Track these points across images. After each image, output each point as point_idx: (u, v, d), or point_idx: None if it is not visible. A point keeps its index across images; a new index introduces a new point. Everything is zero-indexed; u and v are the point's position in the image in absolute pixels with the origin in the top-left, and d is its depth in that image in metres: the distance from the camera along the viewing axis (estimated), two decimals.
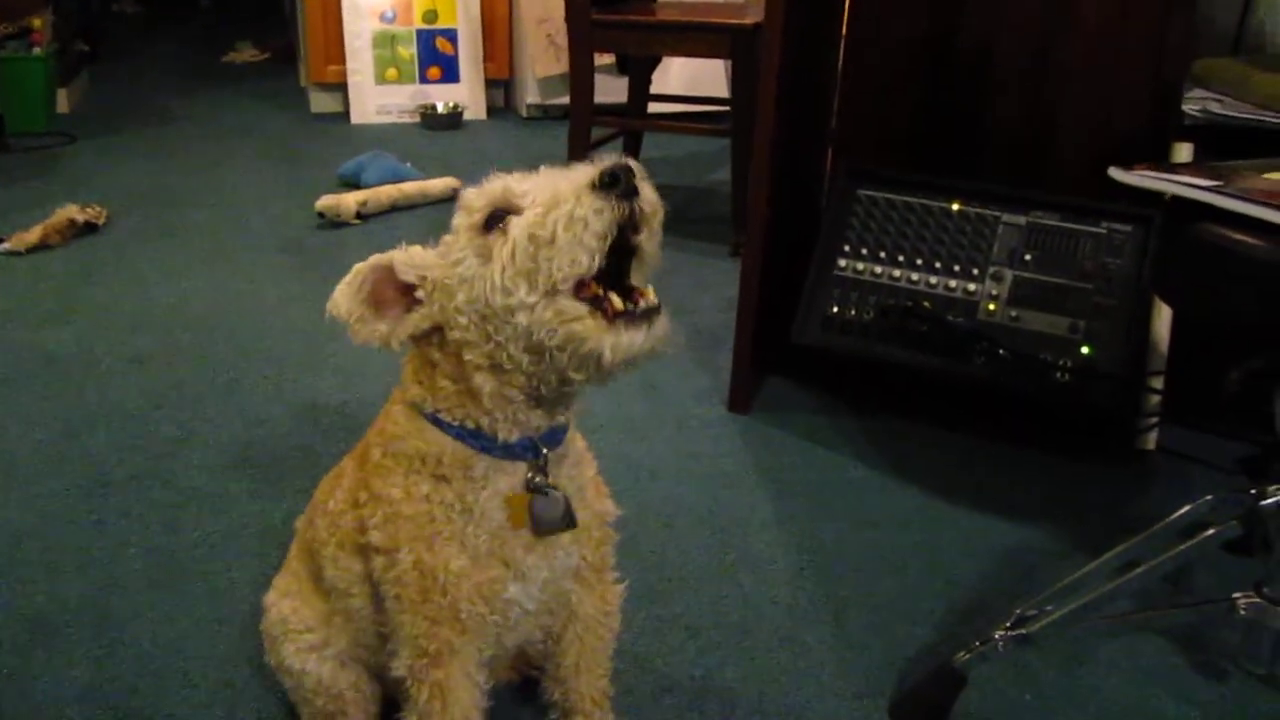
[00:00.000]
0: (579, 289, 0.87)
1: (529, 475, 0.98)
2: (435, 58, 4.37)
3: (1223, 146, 1.71)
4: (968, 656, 1.27)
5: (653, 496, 1.77)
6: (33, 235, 2.80)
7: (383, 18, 4.30)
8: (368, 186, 3.21)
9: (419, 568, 0.97)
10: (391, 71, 4.33)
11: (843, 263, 1.90)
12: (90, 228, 2.94)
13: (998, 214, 1.85)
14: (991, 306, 1.80)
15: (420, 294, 0.95)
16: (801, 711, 1.32)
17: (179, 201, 3.25)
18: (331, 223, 3.03)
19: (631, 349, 0.87)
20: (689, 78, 3.91)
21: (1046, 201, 1.83)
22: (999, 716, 1.32)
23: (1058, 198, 1.83)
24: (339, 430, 1.94)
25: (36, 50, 3.88)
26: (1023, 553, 1.64)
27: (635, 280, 0.91)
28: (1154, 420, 1.88)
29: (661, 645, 1.43)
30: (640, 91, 3.31)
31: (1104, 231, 1.78)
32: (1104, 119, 1.87)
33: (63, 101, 4.24)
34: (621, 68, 3.52)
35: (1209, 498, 1.32)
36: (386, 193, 3.15)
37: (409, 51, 4.34)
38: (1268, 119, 1.66)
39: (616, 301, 0.87)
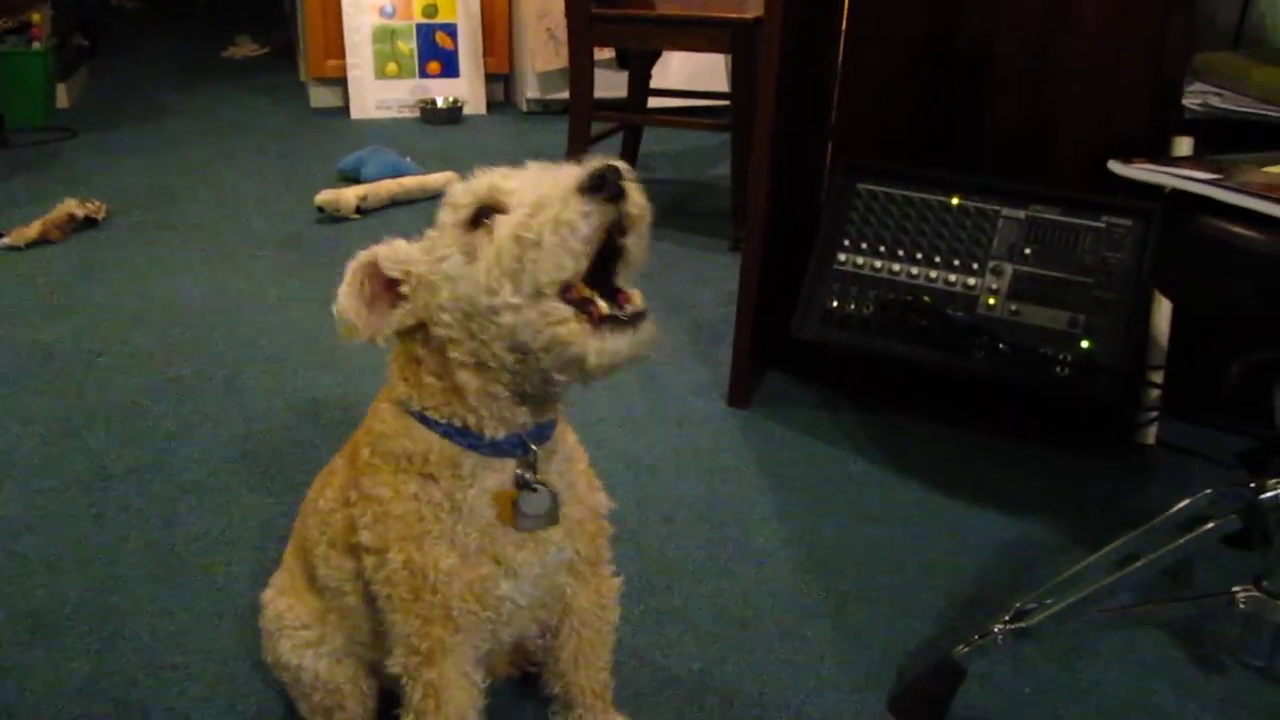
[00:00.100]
0: (565, 290, 0.86)
1: (518, 471, 0.98)
2: (435, 52, 4.37)
3: (1223, 140, 1.71)
4: (967, 650, 1.27)
5: (652, 491, 1.77)
6: (32, 230, 2.80)
7: (382, 12, 4.30)
8: (367, 181, 3.21)
9: (409, 567, 0.97)
10: (391, 66, 4.32)
11: (842, 257, 1.90)
12: (90, 223, 2.94)
13: (997, 208, 1.84)
14: (991, 301, 1.80)
15: (405, 289, 0.94)
16: (801, 705, 1.32)
17: (178, 196, 3.25)
18: (331, 217, 3.03)
19: (616, 355, 0.87)
20: (689, 72, 3.91)
21: (1046, 195, 1.83)
22: (998, 710, 1.32)
23: (1057, 192, 1.82)
24: (338, 425, 1.94)
25: (36, 45, 3.88)
26: (1022, 546, 1.64)
27: (622, 281, 0.90)
28: (1154, 414, 1.88)
29: (661, 639, 1.43)
30: (640, 86, 3.31)
31: (1104, 226, 1.78)
32: (1104, 114, 1.87)
33: (62, 96, 4.24)
34: (621, 62, 3.52)
35: (1208, 492, 1.32)
36: (386, 187, 3.15)
37: (409, 46, 4.34)
38: (1268, 113, 1.66)
39: (602, 306, 0.87)
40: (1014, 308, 1.78)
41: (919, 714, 1.30)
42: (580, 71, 2.95)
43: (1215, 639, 1.43)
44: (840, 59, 2.16)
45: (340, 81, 4.35)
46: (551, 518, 1.00)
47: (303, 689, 1.17)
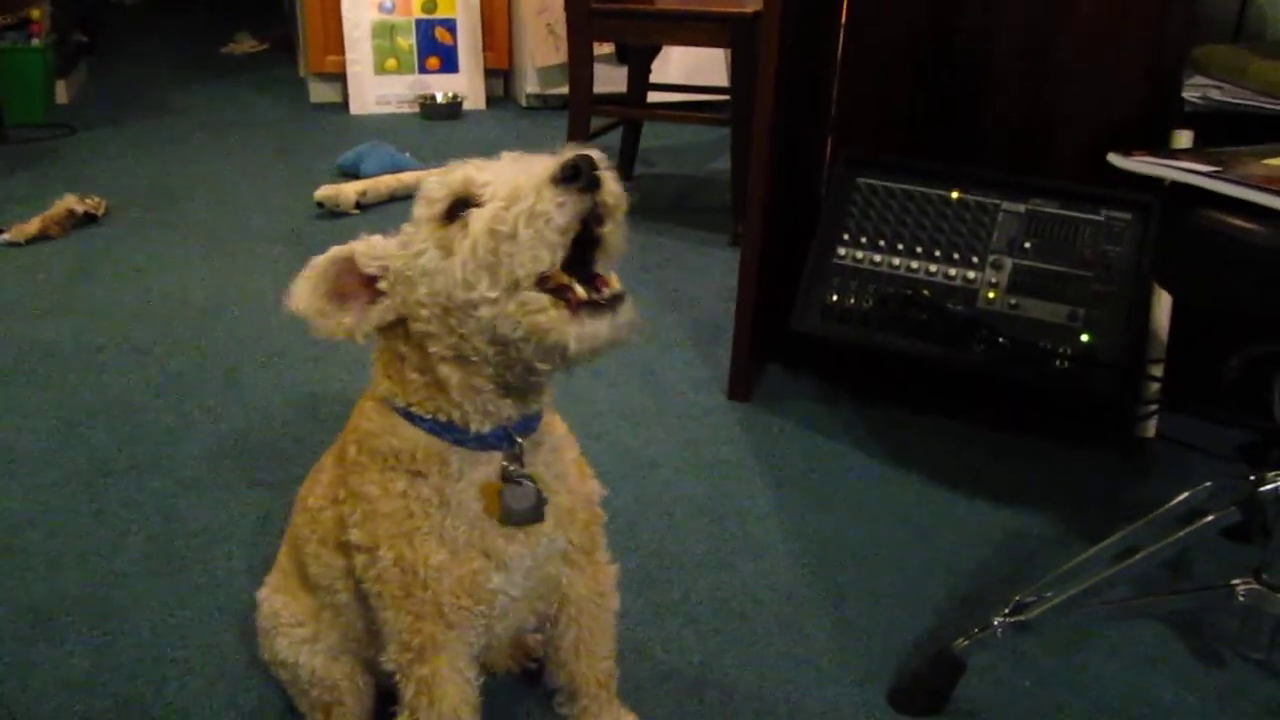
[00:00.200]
0: (542, 279, 0.86)
1: (504, 464, 0.98)
2: (434, 48, 4.36)
3: (1223, 133, 1.71)
4: (967, 643, 1.27)
5: (652, 485, 1.77)
6: (32, 226, 2.80)
7: (381, 8, 4.29)
8: (367, 177, 3.21)
9: (400, 564, 0.97)
10: (391, 62, 4.32)
11: (842, 251, 1.90)
12: (89, 219, 2.94)
13: (997, 202, 1.84)
14: (991, 294, 1.80)
15: (383, 285, 0.93)
16: (800, 699, 1.32)
17: (178, 192, 3.25)
18: (331, 213, 3.03)
19: (596, 339, 0.86)
20: (689, 67, 3.90)
21: (1046, 189, 1.82)
22: (998, 703, 1.32)
23: (1057, 185, 1.82)
24: (338, 420, 1.93)
25: (35, 41, 3.87)
26: (1022, 540, 1.64)
27: (599, 268, 0.89)
28: (1154, 408, 1.88)
29: (661, 633, 1.43)
30: (640, 81, 3.30)
31: (1103, 219, 1.77)
32: (1104, 107, 1.87)
33: (61, 93, 4.23)
34: (621, 57, 3.51)
35: (1208, 484, 1.32)
36: (386, 183, 3.14)
37: (408, 41, 4.34)
38: (1267, 105, 1.66)
39: (580, 291, 0.86)
40: (1013, 301, 1.78)
41: (919, 706, 1.30)
42: (580, 66, 2.94)
43: (1215, 631, 1.43)
44: (840, 53, 2.16)
45: (340, 77, 4.35)
46: (536, 514, 0.99)
47: (301, 686, 1.17)
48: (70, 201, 2.91)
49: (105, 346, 2.23)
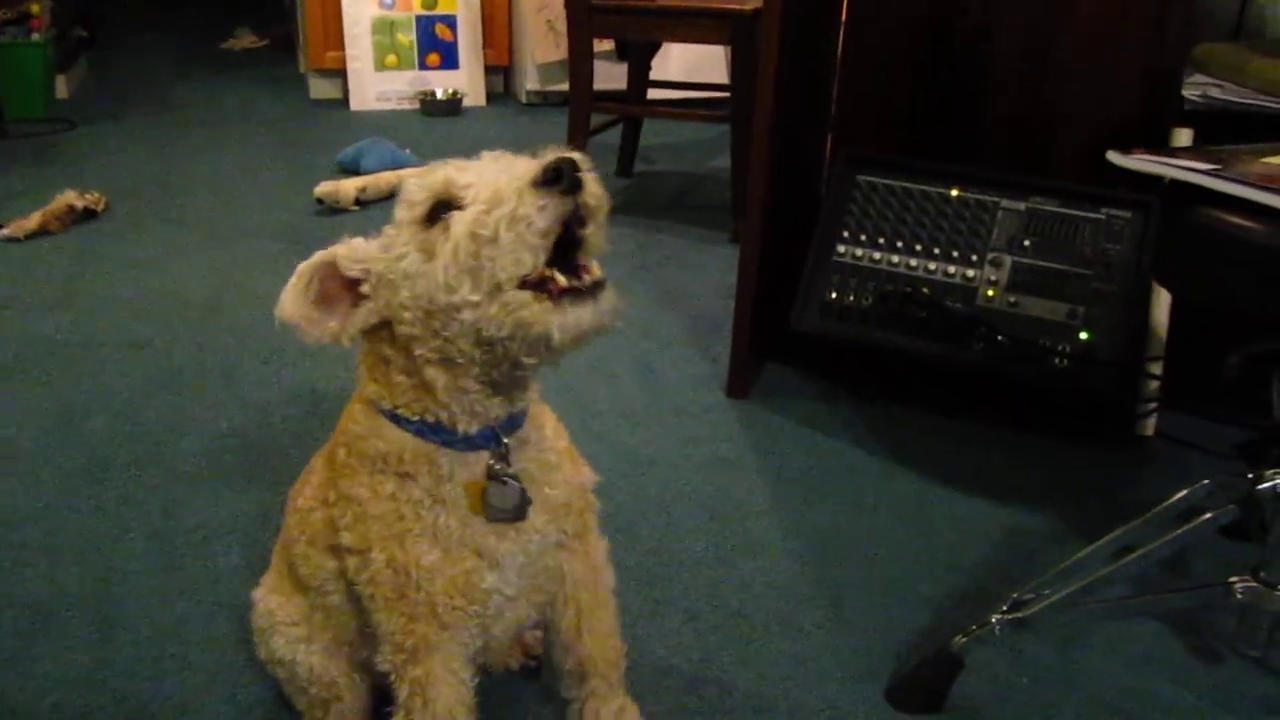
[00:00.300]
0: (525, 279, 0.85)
1: (490, 463, 0.98)
2: (434, 44, 4.36)
3: (1222, 132, 1.70)
4: (965, 640, 1.27)
5: (651, 482, 1.77)
6: (32, 222, 2.80)
7: (382, 4, 4.29)
8: (367, 173, 3.21)
9: (392, 565, 0.97)
10: (391, 58, 4.32)
11: (842, 249, 1.90)
12: (89, 214, 2.94)
13: (997, 200, 1.84)
14: (990, 292, 1.80)
15: (365, 288, 0.93)
16: (799, 695, 1.32)
17: (178, 188, 3.25)
18: (330, 209, 3.03)
19: (579, 326, 0.86)
20: (689, 64, 3.89)
21: (1045, 187, 1.82)
22: (996, 700, 1.32)
23: (1057, 183, 1.82)
24: (337, 418, 1.93)
25: (35, 36, 3.87)
26: (1020, 537, 1.64)
27: (581, 260, 0.89)
28: (1153, 406, 1.88)
29: (660, 629, 1.43)
30: (640, 77, 3.30)
31: (1103, 217, 1.77)
32: (1104, 105, 1.86)
33: (61, 88, 4.23)
34: (621, 54, 3.51)
35: (1206, 482, 1.32)
36: (385, 179, 3.14)
37: (408, 38, 4.33)
38: (1267, 104, 1.66)
39: (560, 279, 0.86)
40: (1013, 299, 1.78)
41: (917, 703, 1.30)
42: (580, 63, 2.94)
43: (1212, 629, 1.43)
44: (840, 51, 2.16)
45: (340, 73, 4.34)
46: (520, 513, 0.99)
47: (298, 684, 1.17)
48: (70, 197, 2.91)
49: (104, 342, 2.23)
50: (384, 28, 4.30)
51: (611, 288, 0.88)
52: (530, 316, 0.85)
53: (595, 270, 0.89)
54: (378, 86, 4.31)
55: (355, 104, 4.29)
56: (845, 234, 1.91)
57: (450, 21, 4.37)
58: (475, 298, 0.85)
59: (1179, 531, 1.25)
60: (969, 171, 1.88)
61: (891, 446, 1.89)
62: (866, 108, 2.10)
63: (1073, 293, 1.75)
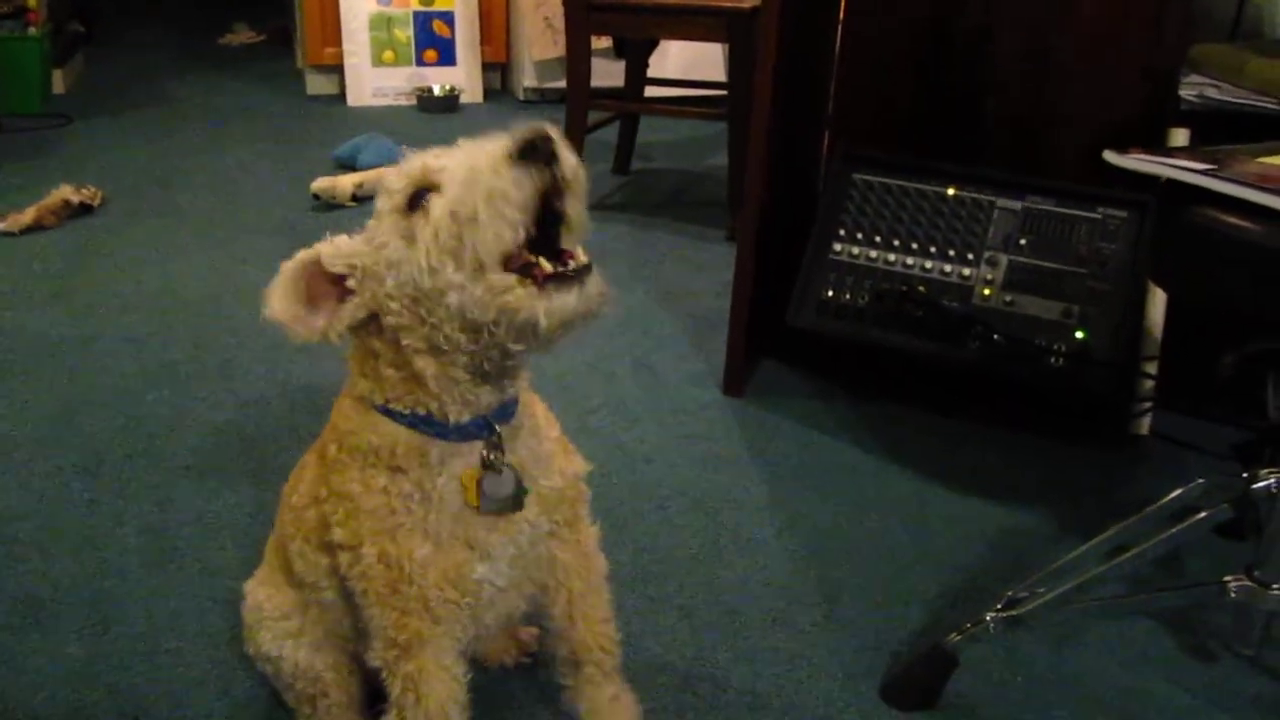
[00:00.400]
0: (508, 260, 0.85)
1: (483, 453, 0.98)
2: (432, 40, 4.36)
3: (1219, 132, 1.71)
4: (959, 638, 1.27)
5: (646, 479, 1.77)
6: (27, 216, 2.79)
7: (379, 0, 4.28)
8: (364, 169, 3.20)
9: (384, 560, 0.97)
10: (388, 54, 4.31)
11: (838, 247, 1.90)
12: (85, 209, 2.93)
13: (993, 199, 1.85)
14: (986, 291, 1.80)
15: (351, 283, 0.93)
16: (793, 693, 1.33)
17: (174, 183, 3.25)
18: (327, 205, 3.02)
19: (565, 312, 0.86)
20: (686, 61, 3.89)
21: (1042, 186, 1.83)
22: (990, 698, 1.32)
23: (1053, 183, 1.82)
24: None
25: (32, 30, 3.86)
26: (1015, 536, 1.65)
27: (566, 245, 0.89)
28: (1148, 405, 1.88)
29: (655, 626, 1.43)
30: (637, 75, 3.30)
31: (1099, 217, 1.78)
32: (1101, 105, 1.87)
33: (58, 82, 4.22)
34: (619, 51, 3.51)
35: (1200, 481, 1.32)
36: (382, 175, 3.14)
37: (405, 34, 4.33)
38: (1264, 104, 1.66)
39: (545, 265, 0.86)
40: (1009, 298, 1.79)
41: (911, 701, 1.31)
42: (577, 60, 2.94)
43: (1206, 628, 1.43)
44: (838, 49, 2.16)
45: (337, 69, 4.34)
46: (516, 502, 0.99)
47: (285, 680, 1.18)
48: (66, 192, 2.90)
49: (100, 337, 2.23)
50: (381, 24, 4.30)
51: (598, 273, 0.88)
52: (515, 302, 0.85)
53: (581, 256, 0.89)
54: (375, 82, 4.30)
55: (352, 100, 4.29)
56: (842, 232, 1.91)
57: (448, 18, 4.36)
58: (459, 279, 0.85)
59: (1173, 530, 1.25)
60: (965, 170, 1.88)
61: (887, 445, 1.89)
62: (865, 106, 2.10)
63: (1069, 292, 1.76)
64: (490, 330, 0.87)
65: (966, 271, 1.82)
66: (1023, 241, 1.81)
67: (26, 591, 1.47)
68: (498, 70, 4.58)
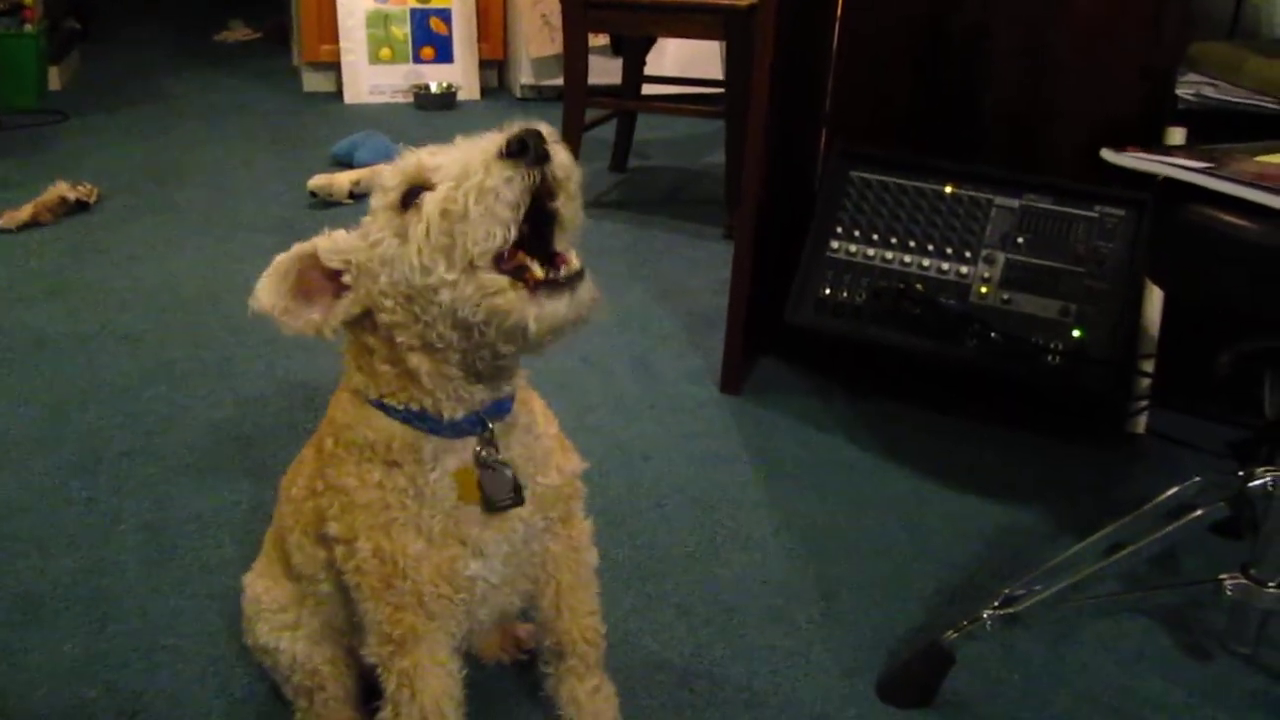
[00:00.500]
0: (501, 259, 0.86)
1: (477, 450, 0.98)
2: (429, 37, 4.35)
3: (1216, 131, 1.71)
4: (956, 635, 1.28)
5: (644, 476, 1.77)
6: (24, 213, 2.79)
7: None
8: (360, 166, 3.20)
9: (378, 555, 0.97)
10: (385, 51, 4.31)
11: (835, 245, 1.90)
12: (81, 206, 2.93)
13: (990, 197, 1.85)
14: (984, 289, 1.80)
15: (347, 279, 0.93)
16: (790, 690, 1.33)
17: (171, 180, 3.24)
18: (324, 202, 3.02)
19: (555, 318, 0.86)
20: (684, 59, 3.90)
21: (1039, 185, 1.83)
22: (986, 695, 1.33)
23: (1051, 181, 1.83)
24: None
25: (28, 27, 3.85)
26: (1012, 533, 1.65)
27: (559, 246, 0.89)
28: (1145, 404, 1.89)
29: (652, 624, 1.43)
30: (634, 72, 3.30)
31: (1097, 215, 1.78)
32: (1099, 103, 1.87)
33: (54, 79, 4.21)
34: (616, 49, 3.51)
35: (1197, 479, 1.32)
36: (379, 173, 3.13)
37: (403, 31, 4.32)
38: (1261, 103, 1.66)
39: (537, 270, 0.86)
40: (1006, 296, 1.79)
41: (908, 698, 1.31)
42: (574, 58, 2.94)
43: (1202, 626, 1.44)
44: (835, 46, 2.16)
45: (334, 66, 4.33)
46: (516, 500, 0.99)
47: (282, 671, 1.18)
48: (62, 188, 2.89)
49: (97, 333, 2.23)
50: (378, 21, 4.29)
51: (590, 279, 0.88)
52: (506, 305, 0.85)
53: (574, 262, 0.89)
54: (372, 80, 4.30)
55: (349, 97, 4.29)
56: (839, 230, 1.91)
57: (445, 15, 4.36)
58: (451, 276, 0.85)
59: (1169, 528, 1.25)
60: (963, 168, 1.88)
61: (885, 442, 1.89)
62: (862, 103, 2.10)
63: (1066, 290, 1.76)
64: (480, 330, 0.87)
65: (964, 269, 1.83)
66: (1020, 239, 1.81)
67: (24, 589, 1.47)
68: (495, 68, 4.58)
